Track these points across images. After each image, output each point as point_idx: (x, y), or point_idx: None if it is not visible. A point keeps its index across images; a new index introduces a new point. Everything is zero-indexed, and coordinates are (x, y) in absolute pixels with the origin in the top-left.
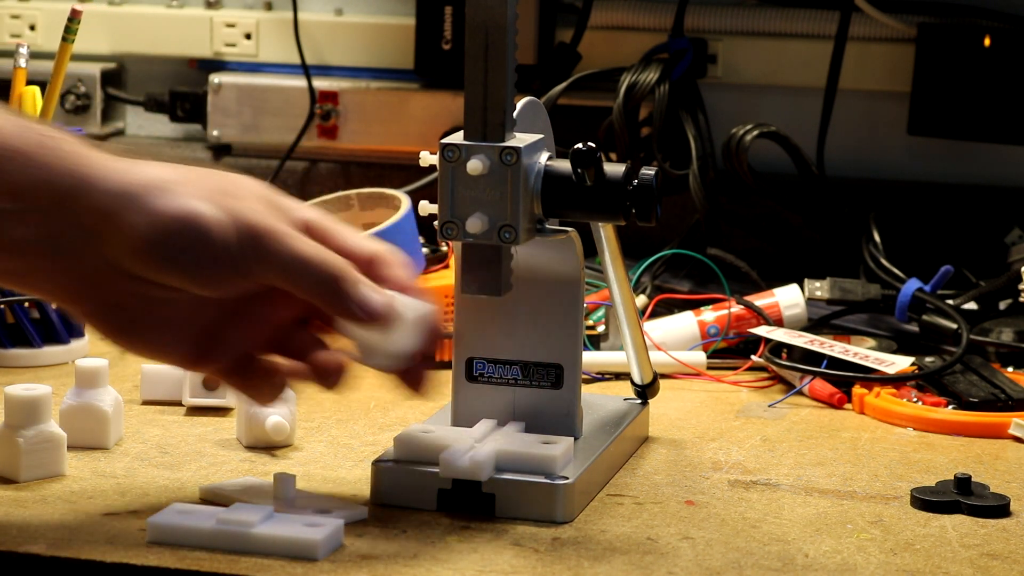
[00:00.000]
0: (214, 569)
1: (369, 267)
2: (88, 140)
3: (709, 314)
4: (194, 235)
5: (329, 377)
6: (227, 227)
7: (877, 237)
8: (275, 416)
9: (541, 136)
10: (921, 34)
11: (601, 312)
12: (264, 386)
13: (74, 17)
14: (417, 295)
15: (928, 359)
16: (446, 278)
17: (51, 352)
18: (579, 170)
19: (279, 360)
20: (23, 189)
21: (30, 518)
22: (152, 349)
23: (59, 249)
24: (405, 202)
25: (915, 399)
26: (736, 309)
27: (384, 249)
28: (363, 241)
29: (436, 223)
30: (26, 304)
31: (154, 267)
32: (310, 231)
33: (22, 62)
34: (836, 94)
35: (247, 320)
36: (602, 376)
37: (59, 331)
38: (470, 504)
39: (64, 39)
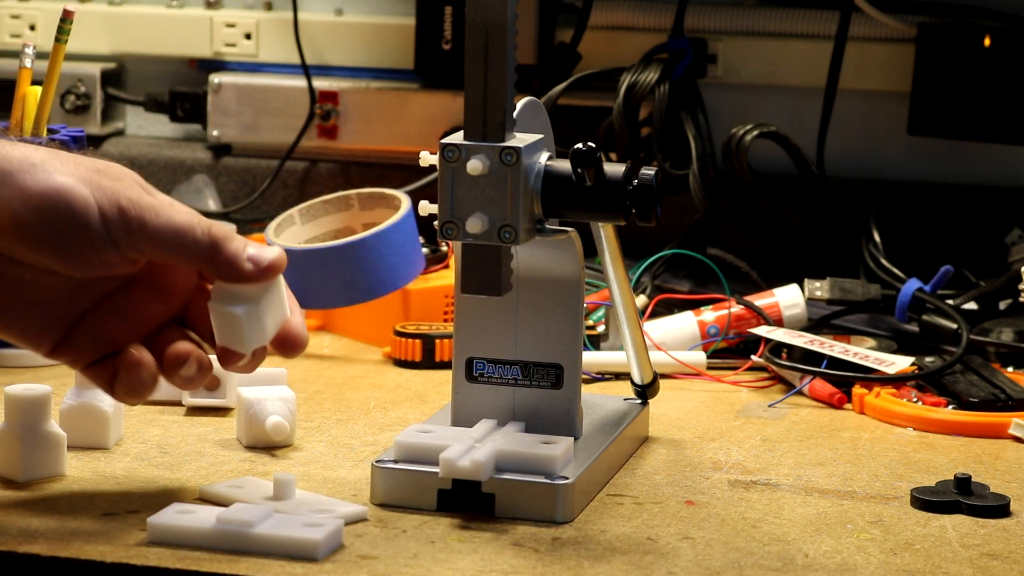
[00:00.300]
0: (214, 569)
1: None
2: None
3: (709, 314)
4: (65, 211)
5: (182, 367)
6: (100, 202)
7: (877, 237)
8: (275, 416)
9: (541, 136)
10: (921, 34)
11: (601, 312)
12: (128, 380)
13: (66, 17)
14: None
15: (928, 359)
16: (446, 278)
17: None
18: (579, 170)
19: (146, 355)
20: None
21: (30, 518)
22: (13, 332)
23: None
24: (405, 202)
25: (915, 399)
26: (736, 309)
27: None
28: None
29: (436, 223)
30: None
31: (25, 245)
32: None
33: (28, 62)
34: (836, 94)
35: (119, 313)
36: (602, 376)
37: None
38: (470, 504)
39: (57, 39)
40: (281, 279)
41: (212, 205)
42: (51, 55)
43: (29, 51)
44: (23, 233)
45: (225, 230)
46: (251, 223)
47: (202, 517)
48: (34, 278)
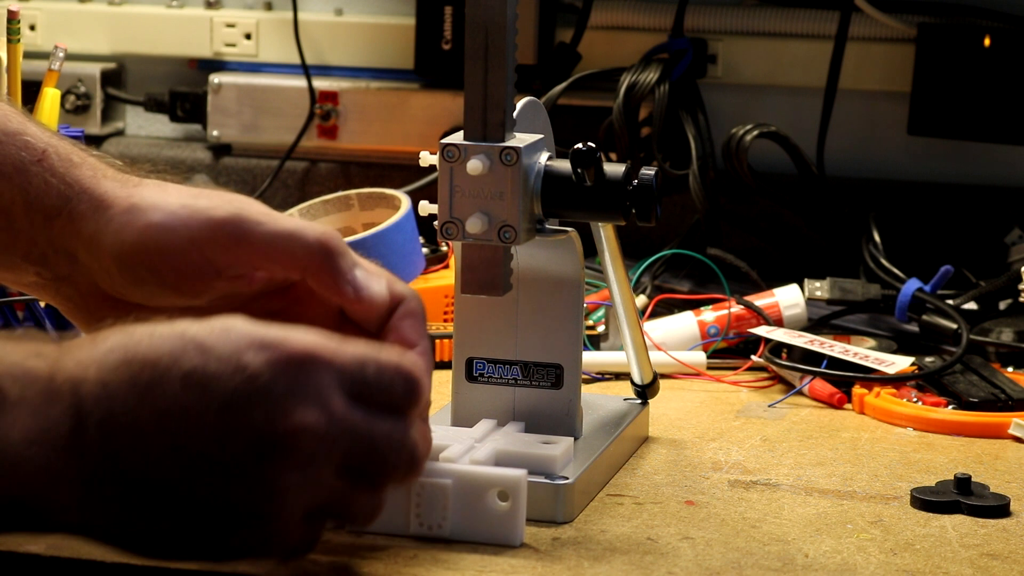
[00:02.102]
0: (214, 569)
1: (389, 324)
2: (92, 153)
3: (709, 314)
4: (161, 249)
5: None
6: (195, 232)
7: (877, 237)
8: None
9: (541, 136)
10: (921, 34)
11: (601, 312)
12: None
13: (12, 18)
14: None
15: (928, 359)
16: (446, 278)
17: None
18: (579, 170)
19: None
20: (16, 209)
21: None
22: None
23: (42, 271)
24: (405, 202)
25: (915, 399)
26: (736, 309)
27: (409, 296)
28: (355, 346)
29: (436, 223)
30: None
31: (132, 286)
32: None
33: (56, 65)
34: (836, 94)
35: None
36: (602, 376)
37: (49, 331)
38: None
39: (9, 41)
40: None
41: None
42: (8, 58)
43: (60, 54)
44: (125, 274)
45: (337, 242)
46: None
47: None
48: (156, 311)
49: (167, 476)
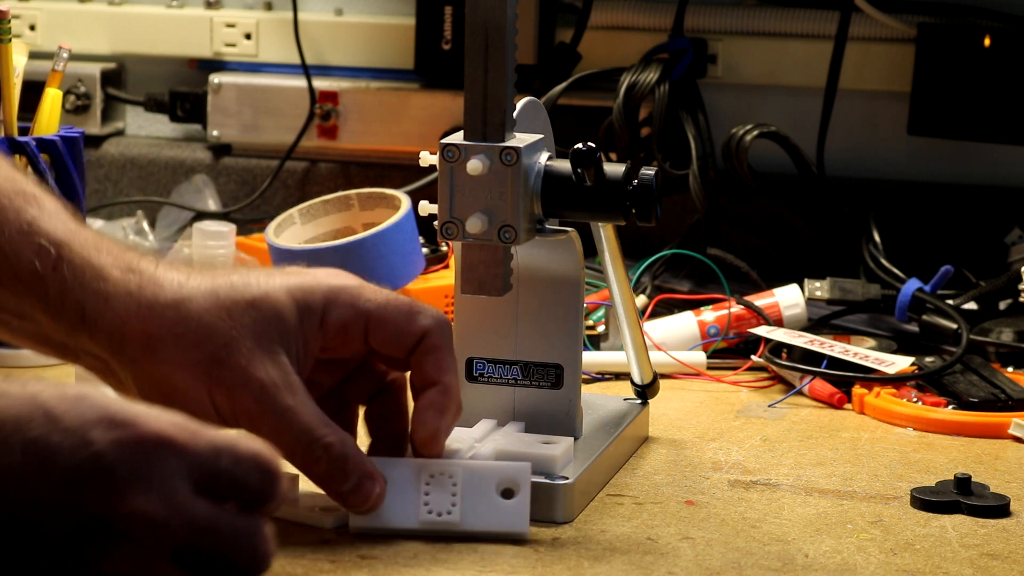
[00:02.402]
0: None
1: (414, 360)
2: (102, 242)
3: (709, 314)
4: (181, 407)
5: None
6: (215, 400)
7: (877, 237)
8: None
9: (541, 136)
10: (921, 34)
11: (601, 312)
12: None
13: (2, 17)
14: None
15: (928, 359)
16: (446, 278)
17: None
18: (579, 170)
19: None
20: (37, 319)
21: None
22: None
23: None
24: (405, 202)
25: (915, 399)
26: (736, 309)
27: (431, 330)
28: (406, 326)
29: (436, 223)
30: None
31: None
32: (343, 334)
33: (60, 65)
34: (836, 94)
35: None
36: (602, 376)
37: None
38: None
39: (0, 40)
40: None
41: (212, 205)
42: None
43: (64, 55)
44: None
45: (345, 460)
46: (251, 223)
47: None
48: None
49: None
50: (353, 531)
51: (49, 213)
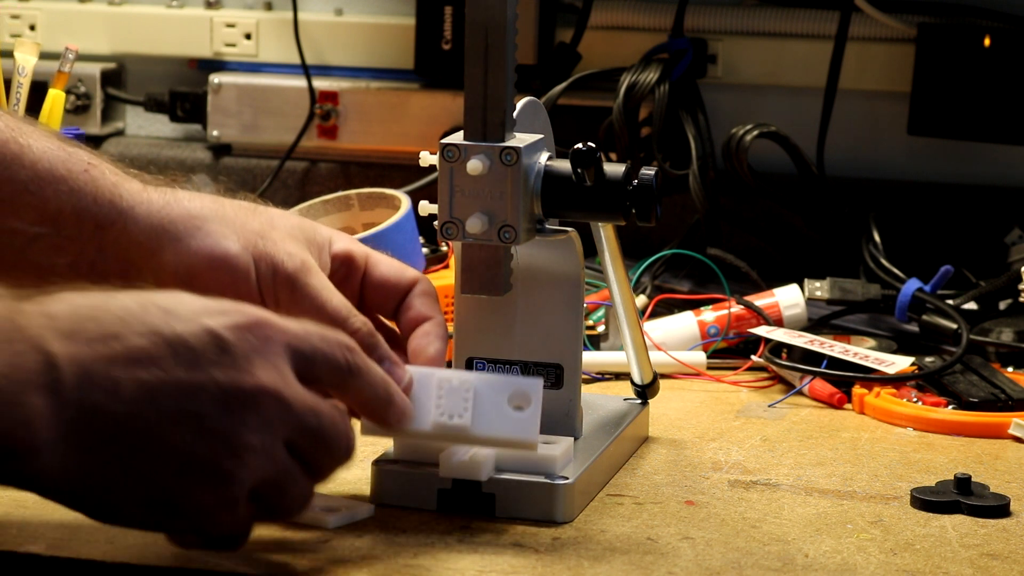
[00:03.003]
0: (214, 568)
1: (405, 303)
2: (128, 169)
3: (709, 314)
4: (224, 278)
5: None
6: (260, 272)
7: (877, 237)
8: None
9: (541, 136)
10: (921, 34)
11: (601, 312)
12: None
13: None
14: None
15: (928, 359)
16: (446, 278)
17: None
18: (579, 170)
19: None
20: (64, 216)
21: (30, 518)
22: None
23: (91, 277)
24: (405, 202)
25: (915, 399)
26: (736, 309)
27: (422, 279)
28: (401, 272)
29: (436, 223)
30: None
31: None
32: (347, 264)
33: (66, 67)
34: (836, 94)
35: None
36: (602, 376)
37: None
38: (470, 504)
39: None
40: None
41: None
42: None
43: (70, 56)
44: (182, 287)
45: (375, 339)
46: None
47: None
48: None
49: (140, 424)
50: (364, 433)
51: (72, 140)
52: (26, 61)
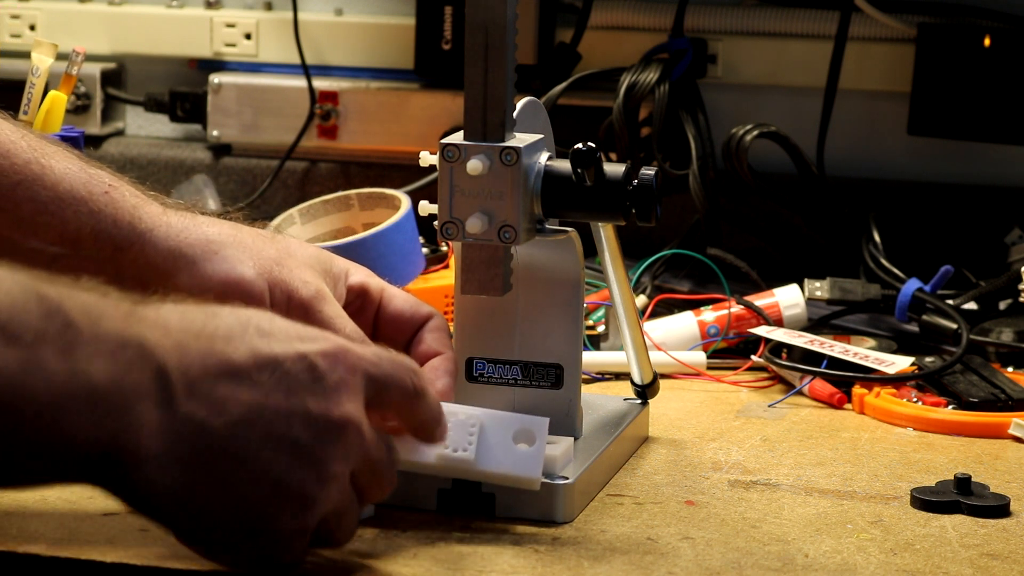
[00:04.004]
0: (214, 568)
1: (417, 337)
2: (149, 191)
3: (709, 314)
4: (239, 303)
5: None
6: (275, 299)
7: (877, 237)
8: None
9: (541, 136)
10: (921, 34)
11: (601, 312)
12: None
13: None
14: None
15: (928, 359)
16: (446, 278)
17: None
18: (579, 170)
19: None
20: (83, 237)
21: (30, 518)
22: None
23: None
24: (405, 202)
25: (915, 399)
26: (736, 309)
27: (435, 315)
28: (416, 307)
29: (436, 223)
30: None
31: None
32: (362, 296)
33: (74, 70)
34: (836, 94)
35: None
36: (602, 376)
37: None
38: (470, 504)
39: None
40: None
41: (212, 205)
42: None
43: (78, 58)
44: None
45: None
46: (252, 223)
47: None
48: None
49: (240, 444)
50: None
51: (93, 161)
52: (41, 62)
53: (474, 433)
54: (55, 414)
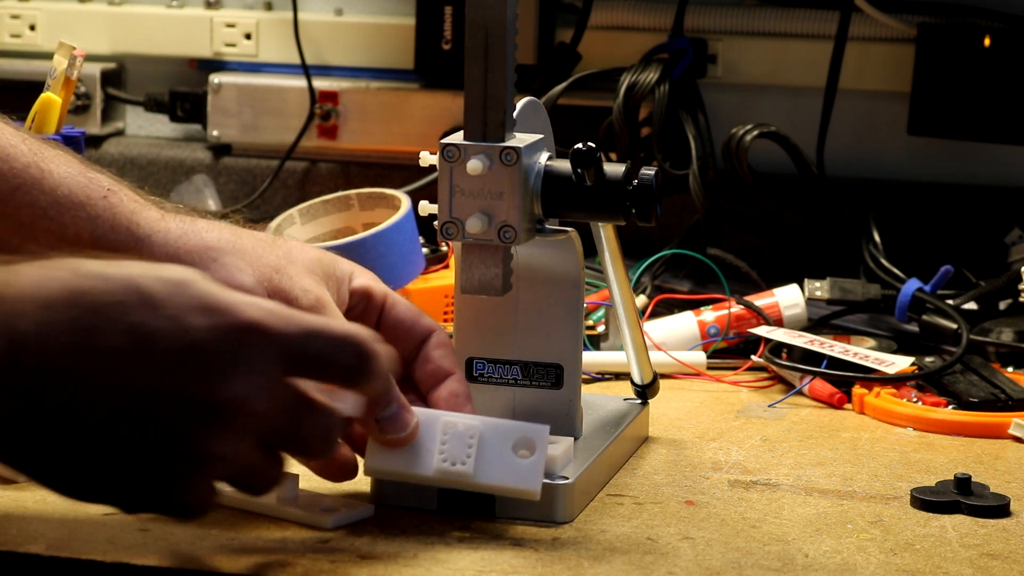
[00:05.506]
0: (214, 568)
1: (423, 354)
2: (148, 196)
3: (709, 314)
4: None
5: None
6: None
7: (877, 237)
8: None
9: (541, 136)
10: (921, 34)
11: (601, 312)
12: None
13: None
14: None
15: (928, 359)
16: (446, 278)
17: None
18: (579, 170)
19: None
20: (82, 243)
21: (30, 518)
22: None
23: None
24: (405, 202)
25: (915, 399)
26: (736, 309)
27: (438, 330)
28: (417, 317)
29: (436, 223)
30: None
31: None
32: (365, 299)
33: (73, 73)
34: (836, 94)
35: None
36: (602, 376)
37: None
38: (470, 504)
39: None
40: None
41: (212, 205)
42: None
43: (77, 61)
44: None
45: (388, 382)
46: (251, 223)
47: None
48: None
49: (97, 423)
50: (367, 474)
51: (95, 166)
52: (60, 64)
53: (472, 445)
54: None
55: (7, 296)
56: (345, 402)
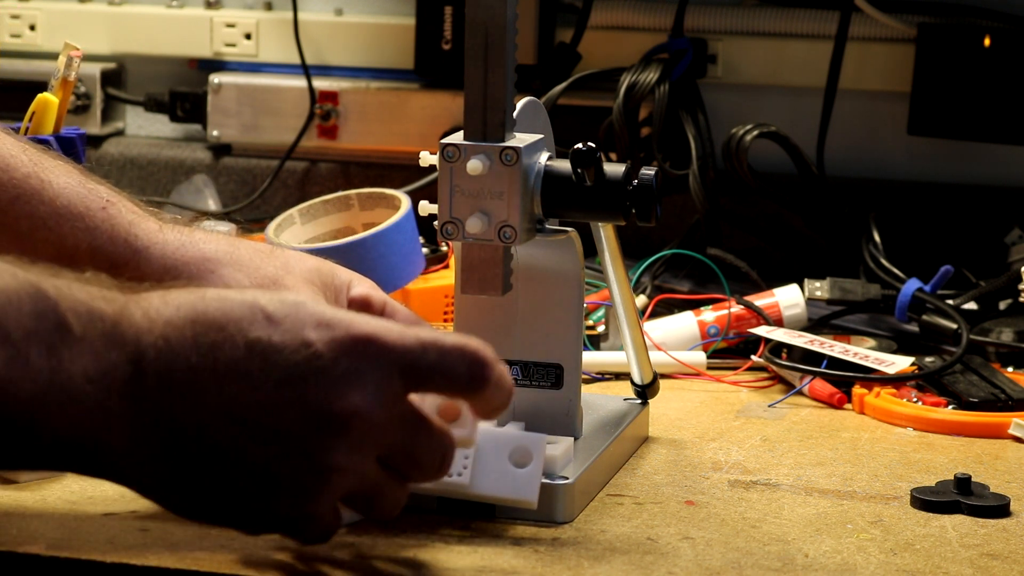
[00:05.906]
0: (214, 569)
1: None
2: (148, 208)
3: (709, 314)
4: None
5: None
6: None
7: (877, 237)
8: None
9: (541, 136)
10: (921, 34)
11: (601, 312)
12: None
13: None
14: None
15: (928, 359)
16: (446, 278)
17: None
18: (579, 170)
19: None
20: (80, 254)
21: (30, 518)
22: None
23: None
24: (405, 202)
25: (915, 399)
26: (736, 309)
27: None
28: (418, 331)
29: (436, 223)
30: None
31: None
32: (364, 308)
33: (72, 74)
34: (836, 94)
35: None
36: (602, 376)
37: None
38: (470, 505)
39: None
40: None
41: (212, 205)
42: None
43: (75, 62)
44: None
45: None
46: (251, 223)
47: None
48: None
49: (220, 437)
50: None
51: (94, 176)
52: (62, 63)
53: (469, 455)
54: (35, 411)
55: (132, 314)
56: (463, 428)
